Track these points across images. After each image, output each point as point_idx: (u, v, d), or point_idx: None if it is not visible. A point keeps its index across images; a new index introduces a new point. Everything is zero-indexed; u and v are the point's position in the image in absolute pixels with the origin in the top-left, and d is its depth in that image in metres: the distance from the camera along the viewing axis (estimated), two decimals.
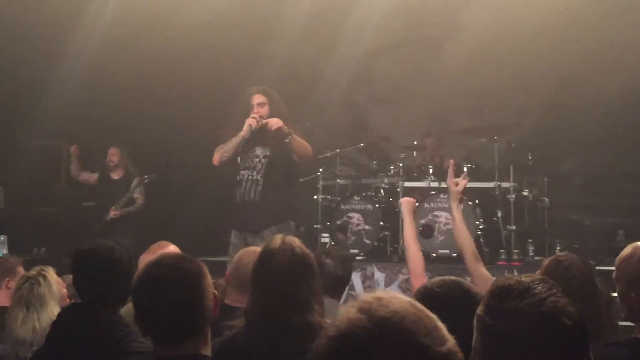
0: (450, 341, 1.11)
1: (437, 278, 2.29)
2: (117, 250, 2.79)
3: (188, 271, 2.20)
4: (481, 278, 3.39)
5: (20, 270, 4.13)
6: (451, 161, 4.13)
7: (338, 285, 4.09)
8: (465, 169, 7.13)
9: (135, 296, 2.18)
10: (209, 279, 2.26)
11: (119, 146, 7.78)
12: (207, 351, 2.16)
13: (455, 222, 3.76)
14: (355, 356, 1.03)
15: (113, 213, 7.45)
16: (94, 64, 7.54)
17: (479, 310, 1.63)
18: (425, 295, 2.13)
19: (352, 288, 6.47)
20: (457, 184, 3.80)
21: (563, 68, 8.69)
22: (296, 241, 2.70)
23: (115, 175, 7.77)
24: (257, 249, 3.17)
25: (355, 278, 6.56)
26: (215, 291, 2.28)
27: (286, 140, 5.85)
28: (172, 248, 3.58)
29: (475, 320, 1.63)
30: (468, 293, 2.16)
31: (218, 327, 2.53)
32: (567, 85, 8.80)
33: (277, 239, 2.70)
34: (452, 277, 2.29)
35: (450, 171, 3.91)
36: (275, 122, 5.79)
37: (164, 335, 2.14)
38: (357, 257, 6.94)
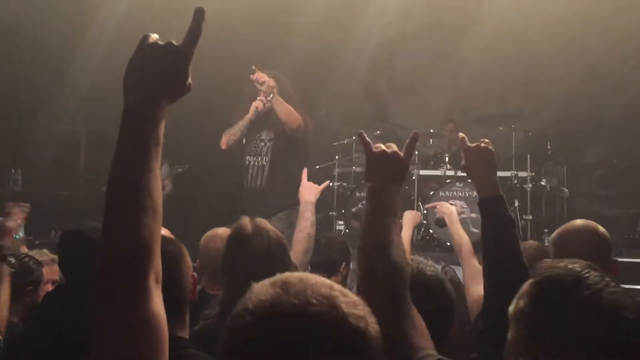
0: (355, 296, 1.10)
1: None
2: None
3: (167, 253, 2.16)
4: (472, 267, 3.42)
5: (24, 249, 4.07)
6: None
7: (325, 266, 4.00)
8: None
9: None
10: (189, 261, 2.23)
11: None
12: (185, 334, 2.13)
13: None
14: (282, 328, 1.02)
15: None
16: (113, 48, 7.55)
17: (523, 304, 1.47)
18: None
19: None
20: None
21: (587, 57, 8.57)
22: (267, 223, 2.65)
23: None
24: (223, 233, 3.09)
25: None
26: (195, 274, 2.24)
27: (268, 99, 5.70)
28: (163, 231, 3.51)
29: (513, 314, 1.49)
30: (434, 278, 2.18)
31: (197, 315, 2.50)
32: (591, 74, 8.68)
33: (247, 223, 2.62)
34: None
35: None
36: (261, 75, 5.64)
37: None
38: None
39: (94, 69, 7.79)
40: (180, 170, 7.39)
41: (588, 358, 1.37)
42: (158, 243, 1.27)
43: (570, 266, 1.47)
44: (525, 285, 1.50)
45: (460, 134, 2.50)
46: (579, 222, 2.54)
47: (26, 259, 3.35)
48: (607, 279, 1.44)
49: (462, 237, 3.69)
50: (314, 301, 1.03)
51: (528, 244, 3.30)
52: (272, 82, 5.67)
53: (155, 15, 7.57)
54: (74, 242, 2.71)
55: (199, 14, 1.38)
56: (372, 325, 1.07)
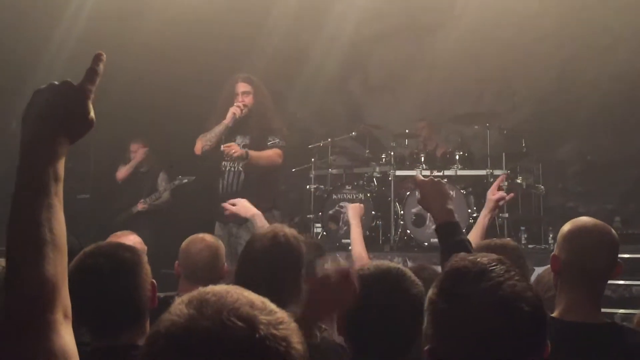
0: (280, 312, 1.04)
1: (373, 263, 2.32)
2: (69, 240, 2.68)
3: (123, 260, 2.14)
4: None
5: None
6: (503, 175, 4.03)
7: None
8: (457, 157, 7.12)
9: (70, 286, 2.13)
10: (147, 268, 2.20)
11: (143, 140, 7.83)
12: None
13: (477, 227, 3.73)
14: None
15: (142, 206, 7.49)
16: (77, 53, 7.45)
17: (431, 293, 1.53)
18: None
19: None
20: (494, 194, 3.74)
21: (561, 53, 8.63)
22: (285, 229, 2.60)
23: (141, 168, 7.81)
24: (205, 236, 3.14)
25: None
26: (154, 281, 2.21)
27: (242, 164, 5.87)
28: (133, 238, 3.47)
29: (427, 304, 1.54)
30: (403, 276, 2.16)
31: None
32: (564, 71, 8.73)
33: (269, 227, 2.64)
34: (388, 262, 2.31)
35: (496, 184, 3.89)
36: (233, 149, 5.79)
37: (100, 327, 2.09)
38: (350, 247, 6.88)
39: (59, 75, 7.69)
40: (185, 181, 7.29)
41: (484, 346, 1.42)
42: (64, 277, 1.27)
43: (478, 259, 1.52)
44: (439, 276, 1.57)
45: (417, 175, 2.80)
46: (590, 220, 2.55)
47: None
48: (513, 272, 1.49)
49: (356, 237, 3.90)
50: (230, 324, 0.98)
51: (502, 242, 3.30)
52: (242, 154, 5.80)
53: (124, 21, 7.51)
54: None
55: (97, 59, 1.43)
56: (296, 345, 1.01)
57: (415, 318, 2.11)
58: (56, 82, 1.40)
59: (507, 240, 3.54)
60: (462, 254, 1.65)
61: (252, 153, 5.83)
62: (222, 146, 5.81)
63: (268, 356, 0.97)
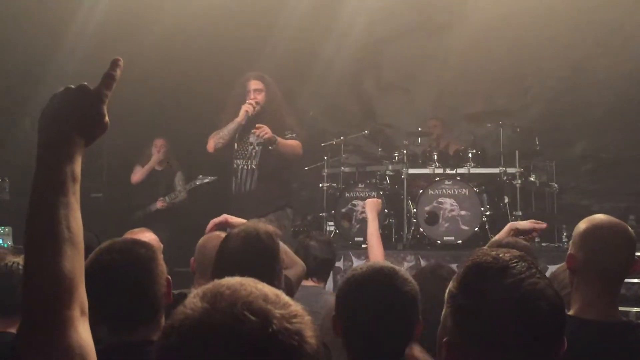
0: (294, 306, 1.04)
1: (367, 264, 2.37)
2: (87, 236, 2.66)
3: (139, 256, 2.15)
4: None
5: (11, 258, 4.02)
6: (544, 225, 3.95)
7: (323, 268, 4.13)
8: (470, 155, 7.10)
9: (85, 282, 2.15)
10: (162, 265, 2.21)
11: (164, 138, 7.83)
12: None
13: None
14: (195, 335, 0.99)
15: (161, 204, 7.49)
16: (91, 54, 7.48)
17: (452, 286, 1.54)
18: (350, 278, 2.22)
19: None
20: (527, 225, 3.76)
21: (573, 51, 8.60)
22: (258, 226, 2.61)
23: (158, 167, 7.81)
24: (221, 234, 3.11)
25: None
26: (169, 277, 2.22)
27: (270, 148, 5.82)
28: (148, 235, 3.47)
29: (447, 296, 1.55)
30: (395, 274, 2.20)
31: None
32: (577, 69, 8.69)
33: (242, 225, 2.66)
34: (381, 262, 2.36)
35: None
36: (264, 130, 5.75)
37: (115, 322, 2.10)
38: (363, 245, 6.90)
39: (71, 76, 7.74)
40: (207, 181, 7.27)
41: (501, 342, 1.42)
42: (81, 275, 1.30)
43: (500, 255, 1.52)
44: (460, 270, 1.57)
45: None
46: (606, 217, 2.55)
47: (14, 265, 3.27)
48: (534, 270, 1.50)
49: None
50: (243, 318, 0.98)
51: (514, 241, 3.29)
52: (270, 133, 5.75)
53: (134, 23, 7.53)
54: None
55: (115, 64, 1.45)
56: (309, 339, 1.01)
57: (409, 316, 2.16)
58: (72, 86, 1.42)
59: (518, 239, 3.53)
60: (484, 248, 1.66)
61: (279, 139, 5.80)
62: (253, 129, 5.79)
63: (281, 350, 0.97)
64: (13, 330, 2.94)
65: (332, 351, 2.35)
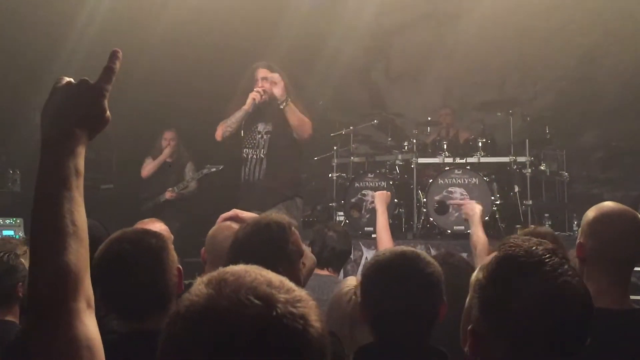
0: (298, 291, 1.04)
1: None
2: (95, 227, 2.64)
3: (149, 246, 2.15)
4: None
5: (22, 249, 4.05)
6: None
7: (340, 259, 4.14)
8: (480, 144, 7.08)
9: (96, 272, 2.15)
10: (173, 254, 2.21)
11: (174, 130, 7.83)
12: None
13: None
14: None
15: (170, 194, 7.48)
16: (96, 48, 7.48)
17: (482, 276, 1.53)
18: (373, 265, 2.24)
19: None
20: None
21: (583, 40, 8.54)
22: (273, 216, 2.59)
23: (168, 158, 7.80)
24: (231, 224, 3.09)
25: (370, 255, 6.52)
26: (180, 266, 2.22)
27: (281, 107, 5.72)
28: (159, 225, 3.47)
29: (475, 285, 1.54)
30: (418, 257, 2.22)
31: None
32: (588, 58, 8.65)
33: (254, 216, 2.66)
34: (402, 247, 2.36)
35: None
36: (277, 89, 5.71)
37: (126, 312, 2.11)
38: (373, 235, 6.89)
39: (76, 69, 7.74)
40: (214, 170, 7.27)
41: (530, 338, 1.42)
42: (86, 268, 1.30)
43: (533, 248, 1.50)
44: (489, 258, 1.55)
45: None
46: (615, 205, 2.52)
47: (5, 257, 3.28)
48: (566, 266, 1.48)
49: (479, 237, 3.70)
50: (247, 302, 0.98)
51: (538, 231, 3.27)
52: (283, 96, 5.70)
53: (143, 14, 7.52)
54: None
55: (114, 56, 1.46)
56: (314, 323, 1.01)
57: (433, 298, 2.17)
58: (73, 81, 1.43)
59: (546, 229, 3.48)
60: (515, 237, 1.64)
61: (291, 103, 5.72)
62: (265, 97, 5.75)
63: (285, 334, 0.98)
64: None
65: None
